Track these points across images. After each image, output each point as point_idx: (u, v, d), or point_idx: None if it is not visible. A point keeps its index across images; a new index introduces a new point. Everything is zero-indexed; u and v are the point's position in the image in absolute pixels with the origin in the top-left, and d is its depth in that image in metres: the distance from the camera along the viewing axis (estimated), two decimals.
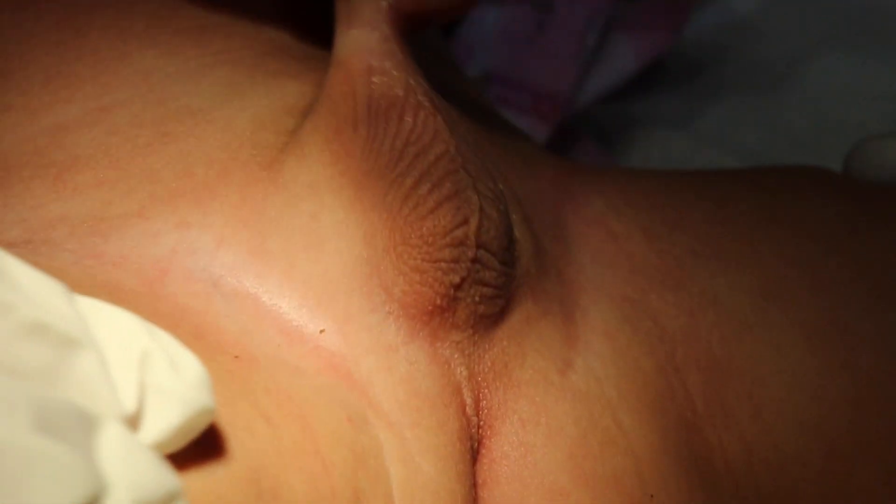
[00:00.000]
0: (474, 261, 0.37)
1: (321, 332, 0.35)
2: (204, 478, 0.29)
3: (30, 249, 0.34)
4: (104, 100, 0.38)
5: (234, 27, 0.41)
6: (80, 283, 0.32)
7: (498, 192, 0.38)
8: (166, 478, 0.27)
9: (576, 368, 0.39)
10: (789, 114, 0.73)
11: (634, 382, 0.40)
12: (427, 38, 0.49)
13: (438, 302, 0.36)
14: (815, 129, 0.72)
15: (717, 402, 0.42)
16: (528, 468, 0.37)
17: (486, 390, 0.37)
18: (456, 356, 0.37)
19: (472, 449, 0.37)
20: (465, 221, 0.37)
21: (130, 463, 0.26)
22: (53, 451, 0.25)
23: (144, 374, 0.28)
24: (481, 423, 0.37)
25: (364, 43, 0.37)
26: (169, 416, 0.28)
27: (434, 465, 0.35)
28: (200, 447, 0.29)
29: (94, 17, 0.40)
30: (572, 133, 0.68)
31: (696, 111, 0.73)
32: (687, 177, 0.48)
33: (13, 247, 0.34)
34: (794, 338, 0.43)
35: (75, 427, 0.26)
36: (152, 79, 0.39)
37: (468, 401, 0.37)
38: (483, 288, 0.37)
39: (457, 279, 0.36)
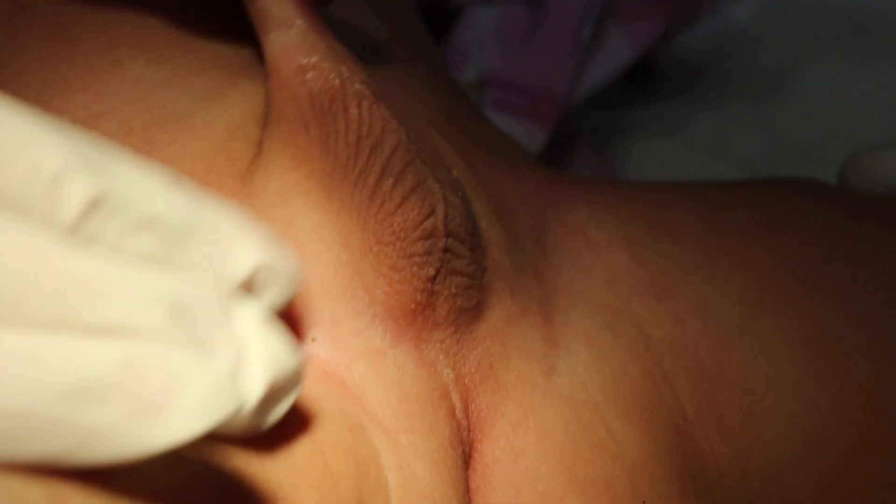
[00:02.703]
0: (445, 250, 0.37)
1: (313, 340, 0.35)
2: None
3: None
4: (95, 108, 0.38)
5: (224, 33, 0.41)
6: None
7: (453, 178, 0.38)
8: (296, 356, 0.29)
9: (559, 372, 0.40)
10: (785, 122, 0.73)
11: (621, 388, 0.41)
12: (403, 25, 0.50)
13: (418, 298, 0.36)
14: (812, 137, 0.72)
15: (707, 409, 0.42)
16: (521, 473, 0.37)
17: (474, 392, 0.38)
18: (441, 357, 0.37)
19: (465, 453, 0.37)
20: (432, 212, 0.37)
21: (266, 339, 0.28)
22: (193, 364, 0.26)
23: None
24: (471, 426, 0.37)
25: (286, 43, 0.37)
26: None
27: (429, 470, 0.35)
28: None
29: (84, 26, 0.40)
30: (569, 137, 0.67)
31: (692, 119, 0.73)
32: (677, 188, 0.48)
33: None
34: (785, 346, 0.43)
35: (211, 310, 0.27)
36: (141, 86, 0.39)
37: (457, 404, 0.37)
38: (457, 277, 0.37)
39: (432, 271, 0.36)
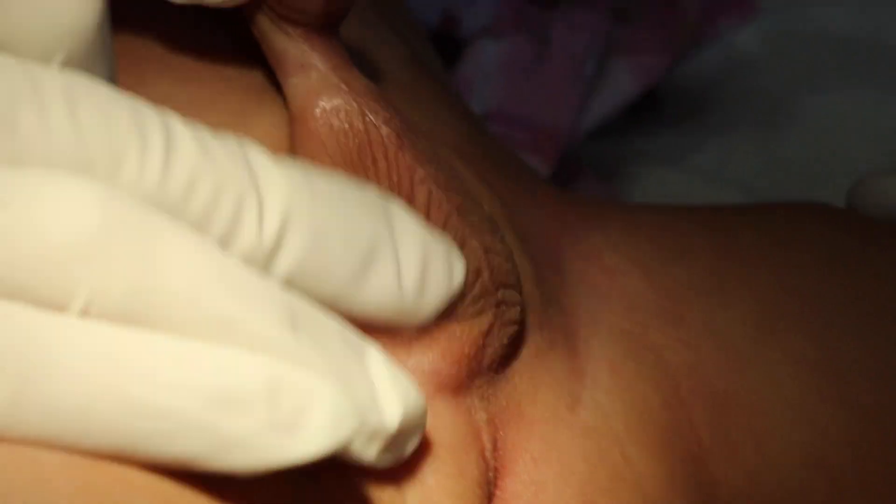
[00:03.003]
0: (498, 304, 0.36)
1: None
2: None
3: None
4: None
5: (252, 51, 0.40)
6: None
7: (487, 216, 0.38)
8: (422, 398, 0.30)
9: (584, 403, 0.39)
10: (789, 149, 0.73)
11: (641, 417, 0.40)
12: (417, 48, 0.49)
13: (468, 352, 0.36)
14: (815, 163, 0.72)
15: (721, 435, 0.42)
16: None
17: (503, 430, 0.37)
18: (477, 401, 0.37)
19: (489, 491, 0.37)
20: (479, 273, 0.36)
21: (397, 378, 0.30)
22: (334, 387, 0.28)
23: None
24: (496, 464, 0.37)
25: (308, 88, 0.36)
26: None
27: None
28: None
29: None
30: (574, 167, 0.68)
31: (695, 147, 0.73)
32: (689, 211, 0.48)
33: None
34: (795, 371, 0.43)
35: (347, 343, 0.30)
36: (167, 106, 0.37)
37: (487, 444, 0.37)
38: (509, 327, 0.37)
39: (486, 327, 0.36)
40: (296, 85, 0.36)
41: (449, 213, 0.36)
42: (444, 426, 0.36)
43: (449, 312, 0.35)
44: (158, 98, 0.38)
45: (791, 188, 0.70)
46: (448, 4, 0.67)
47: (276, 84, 0.39)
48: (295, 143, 0.37)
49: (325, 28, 0.37)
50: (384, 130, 0.36)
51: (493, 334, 0.36)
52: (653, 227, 0.45)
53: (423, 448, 0.35)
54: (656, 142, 0.74)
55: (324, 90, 0.36)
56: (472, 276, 0.36)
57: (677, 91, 0.76)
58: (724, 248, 0.45)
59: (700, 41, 0.72)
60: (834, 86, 0.76)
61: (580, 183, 0.68)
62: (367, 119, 0.36)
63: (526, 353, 0.38)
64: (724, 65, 0.78)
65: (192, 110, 0.37)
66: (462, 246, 0.36)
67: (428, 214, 0.36)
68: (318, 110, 0.36)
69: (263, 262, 0.30)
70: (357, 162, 0.36)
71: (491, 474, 0.37)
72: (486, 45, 0.66)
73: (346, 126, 0.36)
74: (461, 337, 0.36)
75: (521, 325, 0.38)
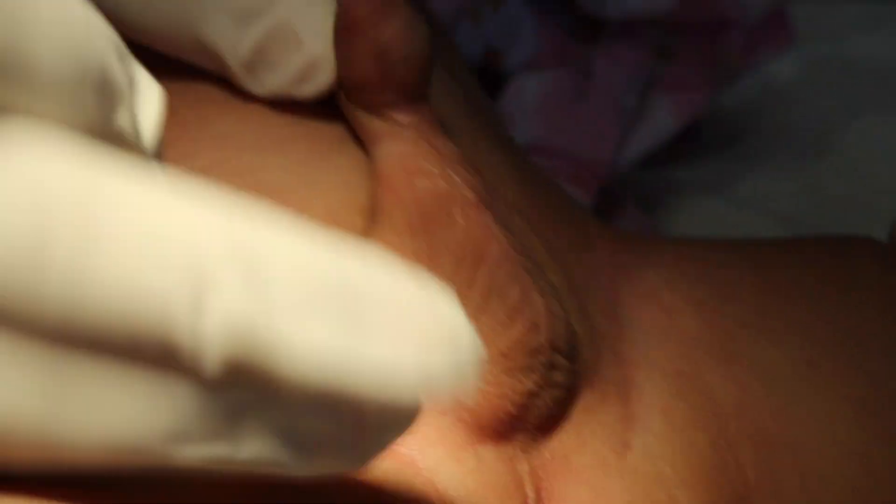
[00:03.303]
0: (548, 366, 0.37)
1: None
2: None
3: None
4: (185, 164, 0.37)
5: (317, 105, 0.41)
6: None
7: (550, 282, 0.38)
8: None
9: (633, 449, 0.40)
10: (829, 179, 0.73)
11: (689, 459, 0.41)
12: (471, 89, 0.50)
13: (511, 410, 0.36)
14: (855, 193, 0.72)
15: (767, 474, 0.42)
16: None
17: (547, 481, 0.37)
18: (519, 453, 0.37)
19: None
20: (537, 328, 0.36)
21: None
22: None
23: None
24: None
25: (395, 153, 0.37)
26: None
27: None
28: None
29: (171, 80, 0.39)
30: (616, 198, 0.68)
31: (736, 177, 0.74)
32: (735, 247, 0.48)
33: None
34: (842, 409, 0.43)
35: None
36: (228, 146, 0.39)
37: (530, 494, 0.37)
38: (555, 390, 0.37)
39: (532, 386, 0.36)
40: (383, 150, 0.37)
41: (516, 271, 0.36)
42: (488, 468, 0.36)
43: (500, 360, 0.36)
44: (217, 136, 0.39)
45: (832, 219, 0.70)
46: (491, 39, 0.67)
47: (346, 143, 0.39)
48: (377, 199, 0.37)
49: (412, 97, 0.38)
50: (468, 193, 0.37)
51: (539, 396, 0.37)
52: (703, 264, 0.46)
53: (467, 489, 0.35)
54: (697, 172, 0.74)
55: (412, 155, 0.37)
56: (533, 330, 0.36)
57: (717, 121, 0.76)
58: (771, 285, 0.45)
59: (740, 72, 0.72)
60: (873, 115, 0.77)
61: (622, 213, 0.68)
62: (453, 181, 0.37)
63: (576, 410, 0.39)
64: (763, 94, 0.78)
65: (256, 154, 0.39)
66: (524, 300, 0.36)
67: (498, 271, 0.36)
68: (403, 172, 0.37)
69: None
70: (434, 218, 0.36)
71: None
72: (528, 79, 0.66)
73: (430, 186, 0.36)
74: (508, 395, 0.36)
75: (570, 390, 0.38)
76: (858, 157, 0.75)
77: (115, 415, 0.25)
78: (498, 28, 0.67)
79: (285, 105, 0.40)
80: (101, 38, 0.26)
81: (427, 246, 0.36)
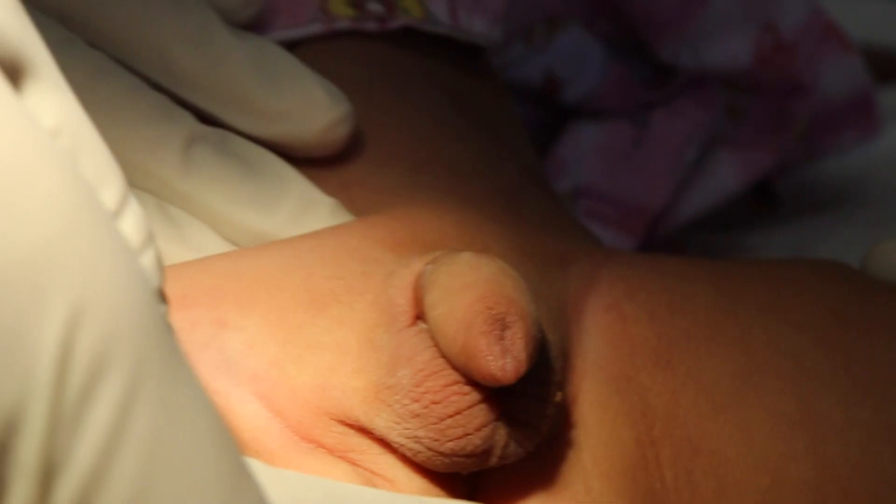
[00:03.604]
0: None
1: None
2: None
3: None
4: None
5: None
6: None
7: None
8: None
9: (560, 438, 0.43)
10: None
11: (612, 452, 0.43)
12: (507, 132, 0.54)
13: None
14: None
15: (685, 476, 0.44)
16: None
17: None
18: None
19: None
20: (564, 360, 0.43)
21: None
22: None
23: None
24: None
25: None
26: None
27: None
28: None
29: None
30: (676, 251, 0.70)
31: (809, 244, 0.74)
32: (703, 263, 0.50)
33: None
34: (764, 422, 0.45)
35: None
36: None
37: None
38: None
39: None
40: None
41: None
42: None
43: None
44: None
45: None
46: (554, 66, 0.69)
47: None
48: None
49: None
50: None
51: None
52: (667, 278, 0.48)
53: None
54: (771, 238, 0.74)
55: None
56: (561, 360, 0.42)
57: (795, 190, 0.77)
58: (727, 301, 0.47)
59: (817, 154, 0.73)
60: None
61: None
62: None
63: None
64: (846, 170, 0.79)
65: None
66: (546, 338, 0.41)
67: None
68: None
69: None
70: None
71: None
72: (587, 127, 0.68)
73: None
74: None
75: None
76: None
77: None
78: (563, 56, 0.68)
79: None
80: None
81: None
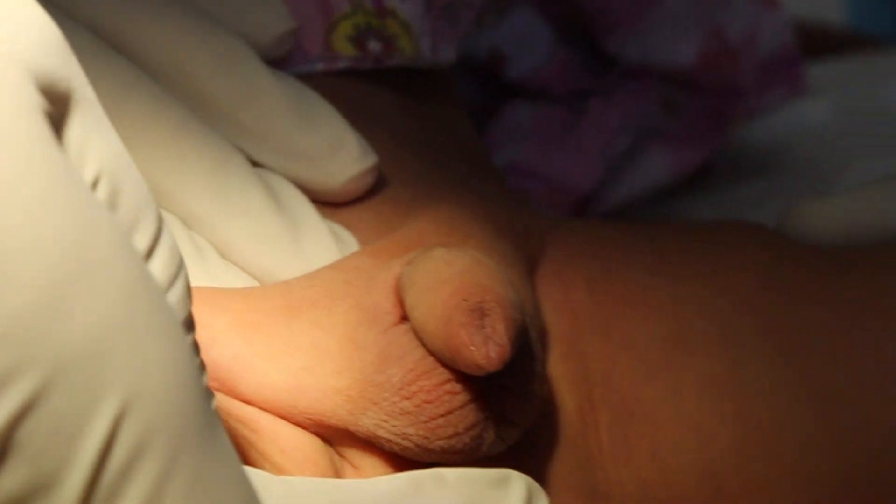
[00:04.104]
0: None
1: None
2: None
3: None
4: None
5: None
6: None
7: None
8: None
9: None
10: None
11: (554, 415, 0.45)
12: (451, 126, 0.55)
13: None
14: None
15: (621, 440, 0.46)
16: None
17: None
18: None
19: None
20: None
21: None
22: None
23: None
24: None
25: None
26: None
27: None
28: None
29: None
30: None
31: (734, 215, 0.75)
32: (637, 230, 0.52)
33: None
34: (694, 386, 0.46)
35: None
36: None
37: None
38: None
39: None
40: None
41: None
42: None
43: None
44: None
45: None
46: (500, 43, 0.70)
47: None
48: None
49: None
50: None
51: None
52: (605, 242, 0.50)
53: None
54: (698, 206, 0.76)
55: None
56: (540, 345, 0.43)
57: (724, 160, 0.78)
58: (658, 267, 0.49)
59: (749, 113, 0.75)
60: (881, 158, 0.77)
61: None
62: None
63: None
64: (790, 134, 0.80)
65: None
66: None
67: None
68: None
69: None
70: None
71: None
72: (522, 108, 0.70)
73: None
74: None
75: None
76: None
77: None
78: (511, 34, 0.69)
79: None
80: None
81: None
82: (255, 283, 0.43)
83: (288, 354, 0.40)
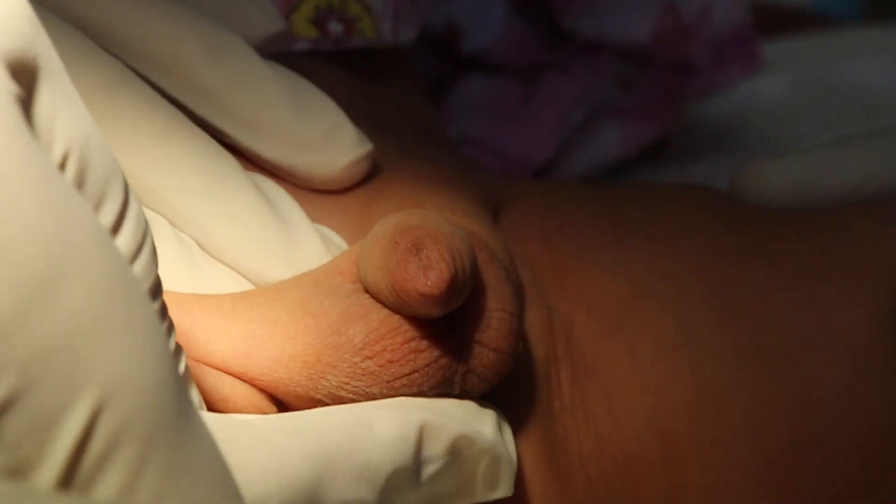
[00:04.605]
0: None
1: None
2: None
3: None
4: None
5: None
6: None
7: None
8: None
9: None
10: None
11: (527, 366, 0.46)
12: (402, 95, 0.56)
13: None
14: None
15: (580, 396, 0.47)
16: None
17: None
18: None
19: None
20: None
21: None
22: None
23: None
24: None
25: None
26: None
27: None
28: None
29: None
30: None
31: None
32: (591, 189, 0.53)
33: None
34: (647, 345, 0.47)
35: None
36: None
37: None
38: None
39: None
40: None
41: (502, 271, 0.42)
42: None
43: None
44: None
45: None
46: (458, 17, 0.70)
47: None
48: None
49: None
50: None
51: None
52: (556, 200, 0.50)
53: None
54: (654, 178, 0.77)
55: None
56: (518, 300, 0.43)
57: (694, 131, 0.80)
58: (611, 226, 0.49)
59: (707, 90, 0.75)
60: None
61: None
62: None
63: None
64: (747, 109, 0.82)
65: None
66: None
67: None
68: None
69: None
70: None
71: None
72: (475, 81, 0.70)
73: None
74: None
75: None
76: None
77: None
78: (466, 7, 0.70)
79: None
80: None
81: None
82: (244, 282, 0.43)
83: (236, 326, 0.40)
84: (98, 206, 0.31)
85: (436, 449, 0.38)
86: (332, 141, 0.45)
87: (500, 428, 0.41)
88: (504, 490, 0.40)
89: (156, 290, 0.34)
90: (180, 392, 0.29)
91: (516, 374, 0.44)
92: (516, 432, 0.44)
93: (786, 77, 0.83)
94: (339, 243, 0.45)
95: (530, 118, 0.70)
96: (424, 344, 0.40)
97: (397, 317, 0.40)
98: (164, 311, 0.35)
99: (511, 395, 0.44)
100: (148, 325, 0.28)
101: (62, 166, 0.30)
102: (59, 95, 0.30)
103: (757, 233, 0.50)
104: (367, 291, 0.40)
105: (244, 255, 0.42)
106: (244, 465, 0.35)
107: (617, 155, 0.73)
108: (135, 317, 0.28)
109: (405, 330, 0.40)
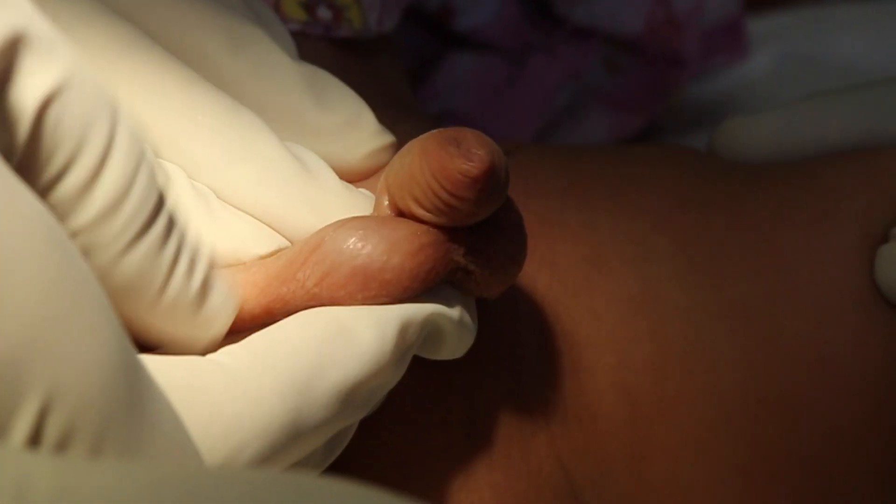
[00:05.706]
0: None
1: None
2: None
3: None
4: None
5: None
6: None
7: None
8: None
9: None
10: None
11: (485, 331, 0.46)
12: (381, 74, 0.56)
13: None
14: None
15: (545, 359, 0.47)
16: None
17: None
18: None
19: None
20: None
21: None
22: None
23: None
24: None
25: None
26: None
27: None
28: None
29: None
30: None
31: None
32: (557, 150, 0.53)
33: None
34: (611, 305, 0.47)
35: None
36: None
37: None
38: None
39: None
40: None
41: None
42: None
43: None
44: None
45: None
46: None
47: None
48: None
49: None
50: None
51: None
52: (531, 164, 0.50)
53: None
54: None
55: None
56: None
57: (682, 109, 0.79)
58: (576, 187, 0.50)
59: (691, 73, 0.75)
60: None
61: None
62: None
63: None
64: (733, 87, 0.81)
65: None
66: None
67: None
68: None
69: None
70: None
71: None
72: (462, 59, 0.70)
73: None
74: None
75: None
76: None
77: None
78: None
79: None
80: None
81: None
82: (263, 229, 0.43)
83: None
84: (79, 146, 0.32)
85: (413, 336, 0.40)
86: (352, 130, 0.45)
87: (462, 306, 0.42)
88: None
89: (157, 209, 0.35)
90: (133, 380, 0.29)
91: (479, 336, 0.44)
92: (484, 387, 0.45)
93: (773, 53, 0.82)
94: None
95: (514, 98, 0.70)
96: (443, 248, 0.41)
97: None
98: (170, 226, 0.35)
99: (474, 354, 0.45)
100: (96, 320, 0.29)
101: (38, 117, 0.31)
102: (39, 55, 0.31)
103: (727, 188, 0.49)
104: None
105: (262, 194, 0.42)
106: (219, 415, 0.35)
107: (602, 140, 0.73)
108: (81, 313, 0.28)
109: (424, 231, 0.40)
